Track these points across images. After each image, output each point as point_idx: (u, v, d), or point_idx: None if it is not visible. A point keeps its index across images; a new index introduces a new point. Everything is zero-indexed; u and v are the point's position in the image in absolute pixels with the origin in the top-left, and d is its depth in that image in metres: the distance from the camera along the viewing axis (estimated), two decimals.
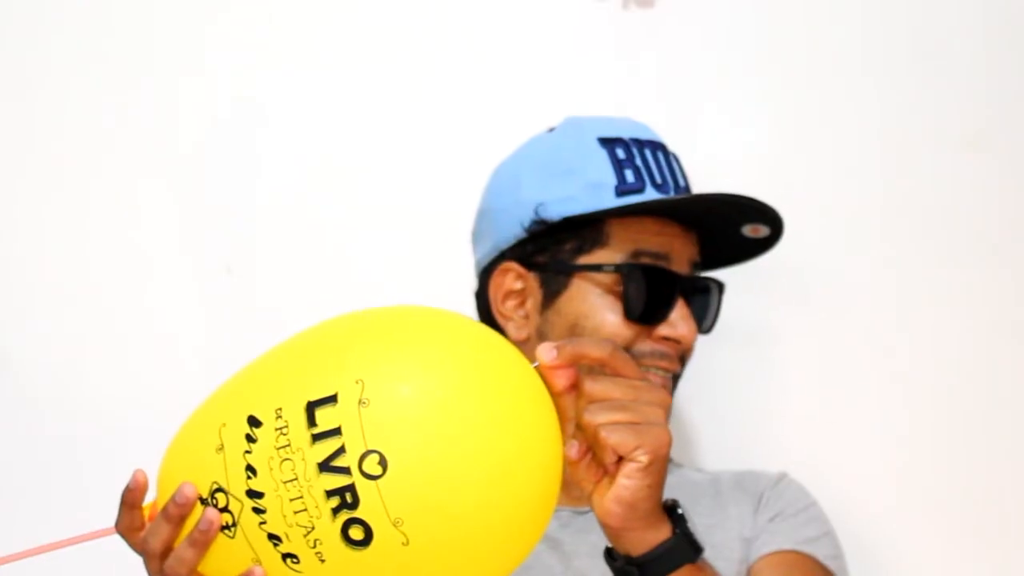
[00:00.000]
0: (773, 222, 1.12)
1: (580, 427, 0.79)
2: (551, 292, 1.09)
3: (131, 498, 0.76)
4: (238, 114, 1.48)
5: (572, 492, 0.94)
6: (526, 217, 1.09)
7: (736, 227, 1.13)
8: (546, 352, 0.77)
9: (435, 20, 1.47)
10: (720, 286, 1.14)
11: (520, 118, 1.37)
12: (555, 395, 0.79)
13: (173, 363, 1.43)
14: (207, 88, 1.48)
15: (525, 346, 1.09)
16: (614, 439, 0.77)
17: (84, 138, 1.46)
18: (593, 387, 0.78)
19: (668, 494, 0.96)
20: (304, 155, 1.47)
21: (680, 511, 0.84)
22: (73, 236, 1.43)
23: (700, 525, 1.08)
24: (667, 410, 0.81)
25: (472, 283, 1.20)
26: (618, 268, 1.06)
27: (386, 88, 1.46)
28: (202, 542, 0.72)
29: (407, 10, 1.47)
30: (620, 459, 0.78)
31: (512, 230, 1.10)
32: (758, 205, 1.09)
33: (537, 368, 0.78)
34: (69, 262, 1.43)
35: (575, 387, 0.79)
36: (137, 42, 1.48)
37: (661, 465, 0.80)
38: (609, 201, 1.07)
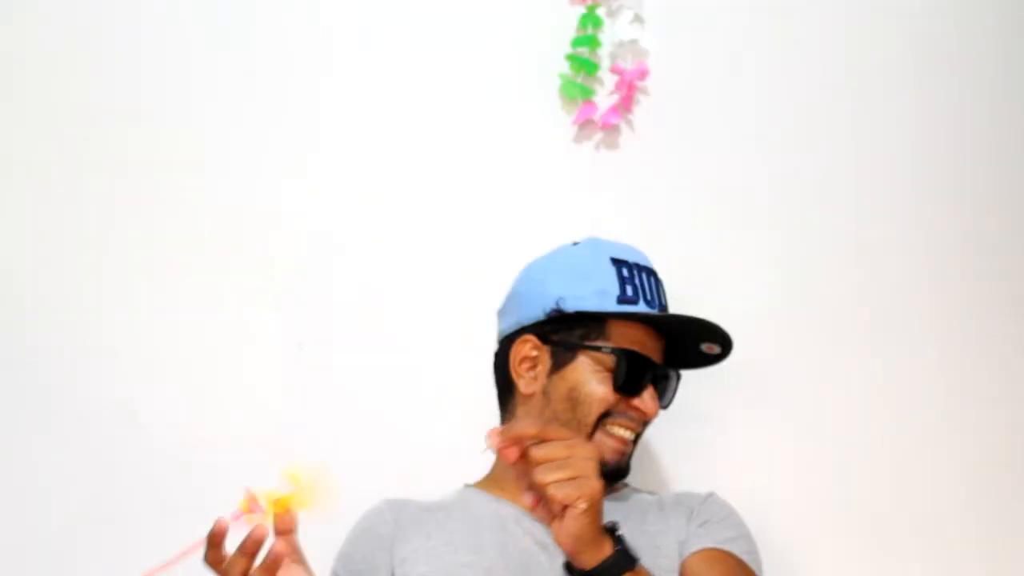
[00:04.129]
0: (724, 342, 1.33)
1: (532, 485, 0.96)
2: (559, 363, 1.28)
3: (215, 540, 0.97)
4: (314, 247, 1.59)
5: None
6: (548, 305, 1.28)
7: (696, 343, 1.34)
8: (493, 439, 0.97)
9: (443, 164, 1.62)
10: (679, 376, 1.34)
11: (513, 240, 1.53)
12: (511, 465, 0.97)
13: (254, 418, 1.54)
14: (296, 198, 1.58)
15: (531, 399, 1.29)
16: (560, 495, 0.95)
17: (179, 238, 1.56)
18: (537, 453, 0.97)
19: (628, 512, 1.24)
20: (373, 270, 1.59)
21: (619, 533, 1.01)
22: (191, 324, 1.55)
23: (648, 532, 1.26)
24: (597, 460, 0.98)
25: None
26: (613, 351, 1.26)
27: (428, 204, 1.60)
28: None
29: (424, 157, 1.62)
30: (566, 506, 0.96)
31: (535, 312, 1.30)
32: (718, 329, 1.30)
33: (494, 448, 0.96)
34: (188, 345, 1.55)
35: (523, 456, 0.97)
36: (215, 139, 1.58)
37: (597, 507, 0.97)
38: (611, 306, 1.27)
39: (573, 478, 0.96)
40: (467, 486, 1.39)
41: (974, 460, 1.66)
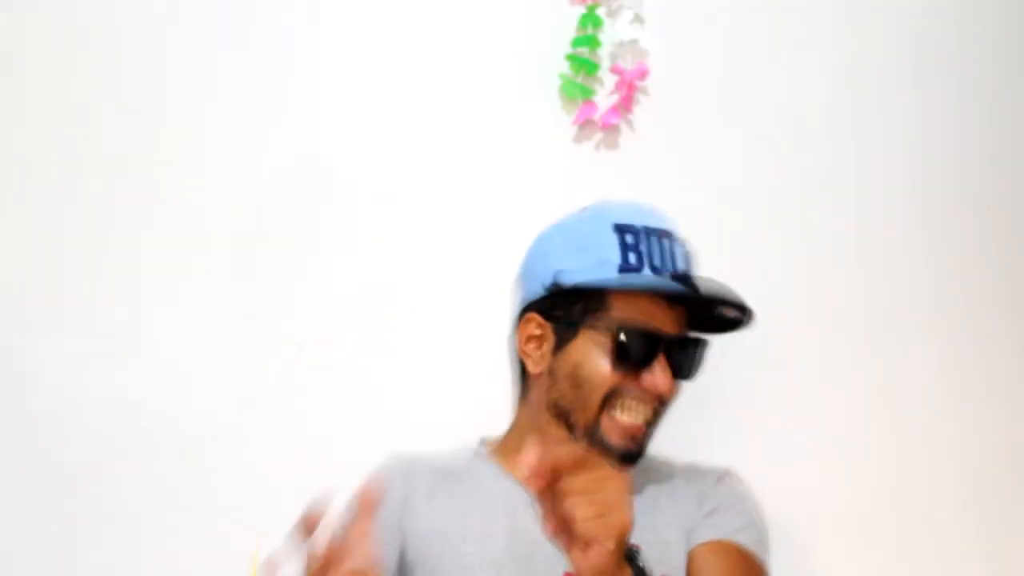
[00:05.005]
0: (741, 309, 1.25)
1: (557, 514, 0.92)
2: (562, 340, 1.24)
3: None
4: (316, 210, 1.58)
5: None
6: (547, 280, 1.24)
7: (710, 309, 1.27)
8: (526, 466, 0.92)
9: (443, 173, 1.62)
10: (701, 343, 1.25)
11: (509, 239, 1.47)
12: (538, 492, 0.92)
13: (254, 418, 1.55)
14: (283, 176, 1.58)
15: (539, 379, 1.26)
16: (587, 531, 0.92)
17: (175, 238, 1.56)
18: (569, 486, 0.92)
19: (639, 501, 1.15)
20: (373, 270, 1.59)
21: (638, 559, 1.00)
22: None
23: (657, 526, 1.22)
24: (630, 493, 0.95)
25: None
26: (609, 328, 1.20)
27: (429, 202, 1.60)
28: None
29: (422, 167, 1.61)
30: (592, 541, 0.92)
31: (537, 289, 1.26)
32: (727, 294, 1.23)
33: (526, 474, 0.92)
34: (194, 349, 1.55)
35: (550, 486, 0.92)
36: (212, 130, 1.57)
37: (622, 544, 0.94)
38: (611, 276, 1.21)
39: (603, 515, 0.93)
40: (479, 450, 1.35)
41: (974, 460, 1.67)
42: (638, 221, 1.24)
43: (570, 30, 1.63)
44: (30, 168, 1.56)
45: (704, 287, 1.24)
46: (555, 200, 1.57)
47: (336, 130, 1.61)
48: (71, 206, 1.56)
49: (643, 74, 1.66)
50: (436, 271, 1.61)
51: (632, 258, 1.21)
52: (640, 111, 1.65)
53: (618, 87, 1.65)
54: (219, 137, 1.59)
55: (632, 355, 1.21)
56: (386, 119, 1.62)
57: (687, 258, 1.26)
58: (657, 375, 1.21)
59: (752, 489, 1.36)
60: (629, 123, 1.66)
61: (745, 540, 1.25)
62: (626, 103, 1.66)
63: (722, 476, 1.31)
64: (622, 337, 1.20)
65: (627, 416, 1.22)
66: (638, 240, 1.22)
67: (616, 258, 1.21)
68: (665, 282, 1.23)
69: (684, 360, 1.25)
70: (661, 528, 1.24)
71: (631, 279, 1.22)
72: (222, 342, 1.57)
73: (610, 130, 1.65)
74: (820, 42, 1.70)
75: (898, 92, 1.72)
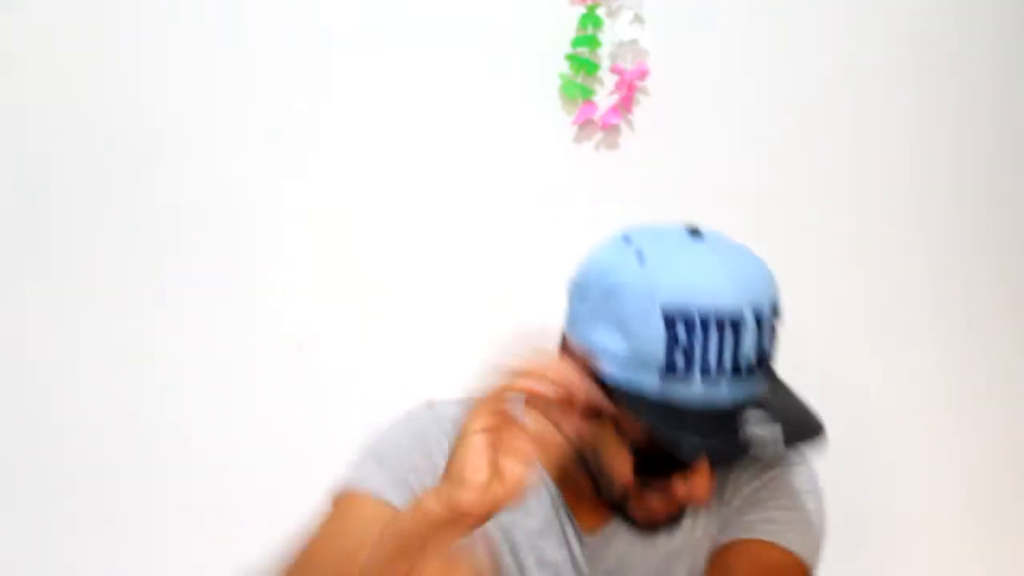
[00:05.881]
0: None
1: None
2: (592, 409, 1.00)
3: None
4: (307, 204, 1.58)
5: (581, 516, 1.09)
6: (584, 348, 1.01)
7: None
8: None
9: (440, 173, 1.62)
10: (742, 426, 0.96)
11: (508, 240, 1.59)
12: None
13: (254, 418, 1.55)
14: (275, 175, 1.57)
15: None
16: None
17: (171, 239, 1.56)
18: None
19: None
20: (373, 271, 1.60)
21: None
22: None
23: (694, 537, 1.10)
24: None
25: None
26: (634, 439, 1.00)
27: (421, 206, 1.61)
28: None
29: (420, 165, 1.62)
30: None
31: (573, 337, 1.03)
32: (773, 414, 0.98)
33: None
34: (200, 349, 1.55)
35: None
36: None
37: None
38: (650, 380, 0.96)
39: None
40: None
41: (974, 460, 1.68)
42: (695, 302, 0.96)
43: (570, 30, 1.63)
44: (29, 168, 1.56)
45: (754, 420, 0.98)
46: (555, 200, 1.61)
47: (336, 129, 1.61)
48: (70, 207, 1.55)
49: (643, 74, 1.66)
50: (436, 271, 1.61)
51: (680, 360, 0.96)
52: (640, 111, 1.65)
53: (618, 87, 1.65)
54: (218, 137, 1.58)
55: (659, 468, 1.02)
56: (386, 118, 1.61)
57: (758, 343, 0.99)
58: (691, 481, 1.02)
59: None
60: (629, 123, 1.66)
61: (787, 541, 1.08)
62: (626, 103, 1.66)
63: (779, 471, 1.13)
64: (646, 454, 1.01)
65: (658, 505, 1.04)
66: (691, 332, 0.96)
67: (660, 356, 0.96)
68: (707, 409, 0.98)
69: (728, 447, 0.97)
70: (696, 544, 1.11)
71: (669, 392, 0.97)
72: (221, 342, 1.57)
73: (610, 130, 1.65)
74: (820, 42, 1.70)
75: (898, 92, 1.72)
